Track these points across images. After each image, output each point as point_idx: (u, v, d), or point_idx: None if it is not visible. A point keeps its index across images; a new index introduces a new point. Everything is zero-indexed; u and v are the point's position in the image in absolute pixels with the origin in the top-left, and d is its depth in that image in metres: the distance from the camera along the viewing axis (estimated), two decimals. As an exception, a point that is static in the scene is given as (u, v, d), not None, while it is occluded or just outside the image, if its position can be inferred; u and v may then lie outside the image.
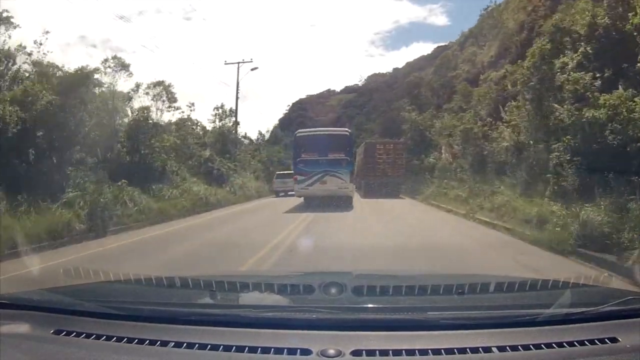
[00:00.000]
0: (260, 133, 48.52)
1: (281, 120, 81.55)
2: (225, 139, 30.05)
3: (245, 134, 37.00)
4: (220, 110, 32.46)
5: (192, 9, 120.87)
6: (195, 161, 24.21)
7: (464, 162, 20.47)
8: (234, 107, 32.57)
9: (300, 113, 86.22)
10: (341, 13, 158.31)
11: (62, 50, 71.64)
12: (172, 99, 26.10)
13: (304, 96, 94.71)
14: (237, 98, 32.12)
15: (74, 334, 1.62)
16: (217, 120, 32.17)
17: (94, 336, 1.58)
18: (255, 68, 32.43)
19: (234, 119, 32.64)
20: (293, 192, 20.09)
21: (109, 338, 1.56)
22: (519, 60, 15.27)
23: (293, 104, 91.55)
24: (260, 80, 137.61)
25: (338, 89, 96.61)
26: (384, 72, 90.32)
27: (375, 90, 78.89)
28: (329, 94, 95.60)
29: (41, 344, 1.60)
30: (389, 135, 33.20)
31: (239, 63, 31.80)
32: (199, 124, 31.08)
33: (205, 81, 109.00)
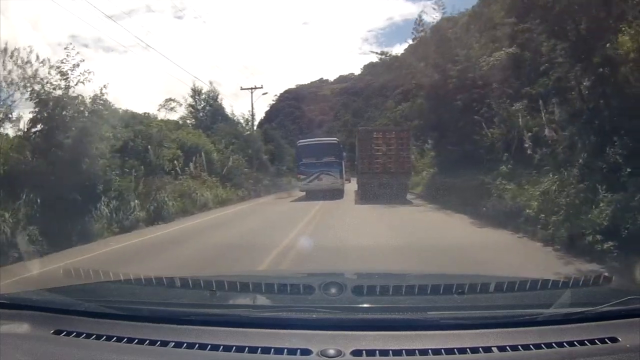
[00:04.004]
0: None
1: (267, 113, 76.47)
2: None
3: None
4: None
5: (183, 7, 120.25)
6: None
7: None
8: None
9: (289, 103, 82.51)
10: (334, 11, 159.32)
11: (53, 49, 70.81)
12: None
13: (293, 86, 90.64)
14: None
15: (74, 334, 1.62)
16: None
17: (94, 336, 1.58)
18: None
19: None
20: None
21: (109, 338, 1.56)
22: None
23: (281, 94, 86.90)
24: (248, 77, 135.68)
25: (331, 79, 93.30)
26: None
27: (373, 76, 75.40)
28: (321, 83, 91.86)
29: (41, 344, 1.60)
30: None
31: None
32: None
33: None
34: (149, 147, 16.03)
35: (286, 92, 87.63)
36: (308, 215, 14.17)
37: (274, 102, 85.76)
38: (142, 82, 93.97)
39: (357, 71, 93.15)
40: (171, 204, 15.20)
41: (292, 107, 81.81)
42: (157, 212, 14.23)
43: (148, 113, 24.94)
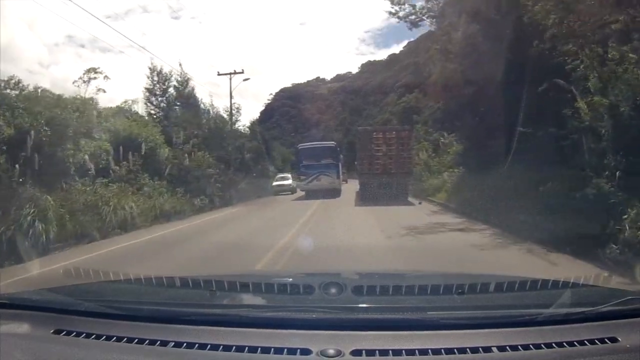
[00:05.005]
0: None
1: (262, 113, 75.30)
2: None
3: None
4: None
5: (179, 7, 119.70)
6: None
7: None
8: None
9: (285, 102, 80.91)
10: (331, 11, 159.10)
11: (49, 50, 70.30)
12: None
13: (289, 85, 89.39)
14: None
15: (74, 333, 1.62)
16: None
17: (94, 336, 1.59)
18: None
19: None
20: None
21: (109, 338, 1.57)
22: None
23: (277, 92, 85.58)
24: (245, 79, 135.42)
25: (328, 78, 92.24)
26: (380, 59, 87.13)
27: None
28: (318, 82, 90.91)
29: (41, 343, 1.60)
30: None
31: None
32: None
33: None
34: (31, 133, 11.02)
35: (282, 90, 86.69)
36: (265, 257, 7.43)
37: (269, 102, 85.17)
38: (139, 82, 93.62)
39: (355, 70, 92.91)
40: (42, 227, 9.17)
41: (287, 106, 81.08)
42: (18, 242, 8.52)
43: (81, 96, 18.48)
